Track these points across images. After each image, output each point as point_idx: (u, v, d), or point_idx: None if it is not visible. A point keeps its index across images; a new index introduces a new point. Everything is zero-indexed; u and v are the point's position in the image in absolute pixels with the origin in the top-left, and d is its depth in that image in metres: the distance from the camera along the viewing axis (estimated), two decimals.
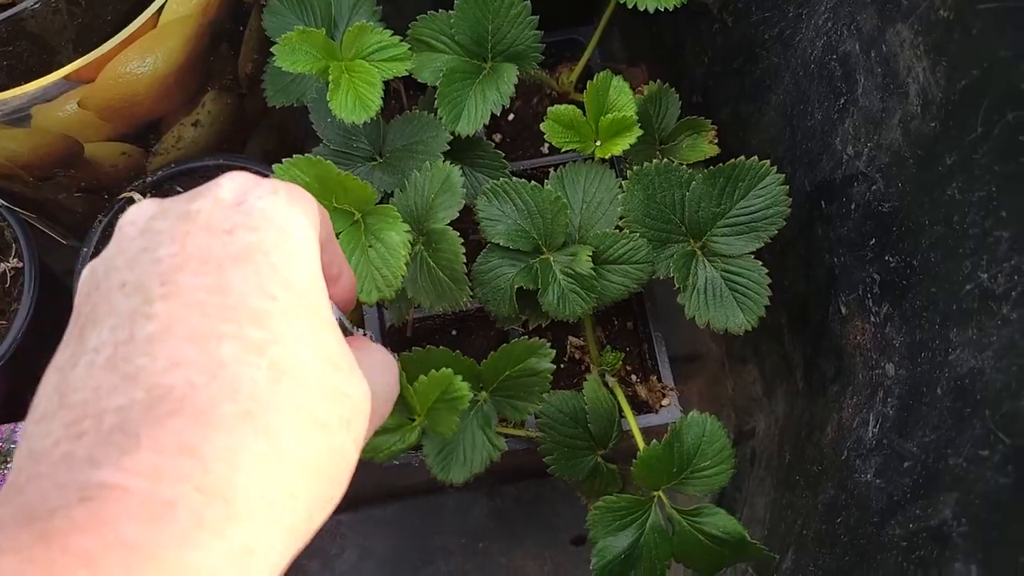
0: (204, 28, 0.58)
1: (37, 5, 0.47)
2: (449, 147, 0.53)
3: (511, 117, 0.69)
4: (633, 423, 0.53)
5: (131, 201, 0.64)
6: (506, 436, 0.52)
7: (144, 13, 0.53)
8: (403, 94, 0.65)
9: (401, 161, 0.54)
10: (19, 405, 0.65)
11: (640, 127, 0.52)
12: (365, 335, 0.43)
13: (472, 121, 0.53)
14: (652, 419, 0.58)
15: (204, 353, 0.24)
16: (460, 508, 0.79)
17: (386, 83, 0.50)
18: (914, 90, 0.39)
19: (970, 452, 0.35)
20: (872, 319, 0.46)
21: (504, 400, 0.48)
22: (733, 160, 0.50)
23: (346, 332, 0.42)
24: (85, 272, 0.27)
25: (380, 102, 0.49)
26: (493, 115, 0.53)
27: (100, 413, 0.23)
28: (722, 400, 0.76)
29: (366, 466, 0.44)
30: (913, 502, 0.39)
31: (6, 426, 0.61)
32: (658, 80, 0.58)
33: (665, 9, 0.52)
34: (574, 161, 0.54)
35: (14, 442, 0.60)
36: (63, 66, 0.52)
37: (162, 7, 0.54)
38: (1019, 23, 0.32)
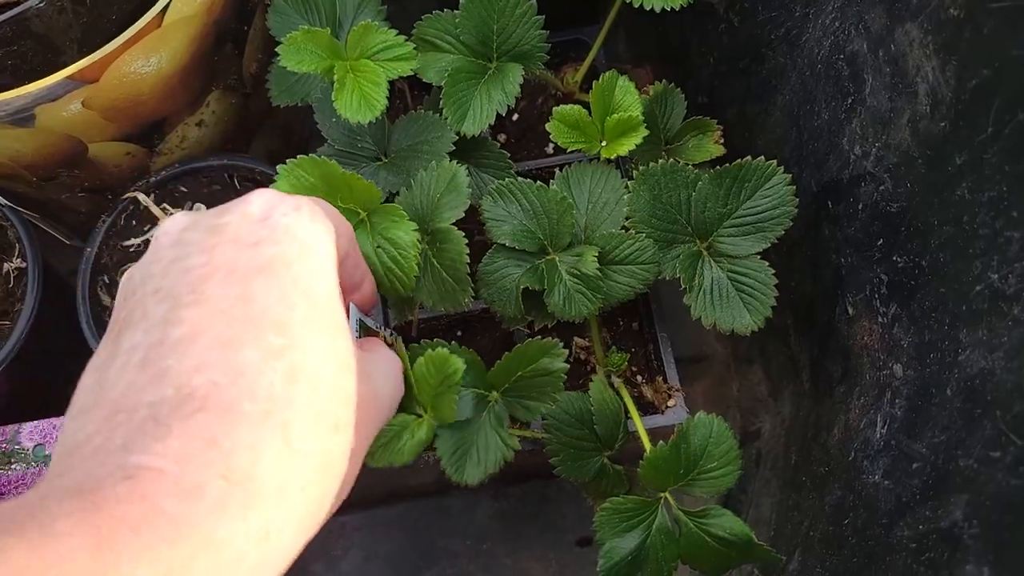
0: (209, 28, 0.58)
1: (42, 4, 0.47)
2: (454, 147, 0.53)
3: (515, 117, 0.69)
4: (639, 424, 0.52)
5: (135, 201, 0.64)
6: None
7: (149, 13, 0.53)
8: (407, 94, 0.65)
9: (406, 161, 0.54)
10: (22, 406, 0.65)
11: (646, 127, 0.51)
12: (391, 334, 0.45)
13: (478, 121, 0.52)
14: (658, 420, 0.58)
15: (227, 357, 0.26)
16: (465, 509, 0.79)
17: (390, 83, 0.50)
18: (923, 90, 0.39)
19: (981, 453, 0.35)
20: (880, 320, 0.46)
21: (516, 400, 0.48)
22: (740, 160, 0.49)
23: (370, 331, 0.44)
24: (124, 278, 0.30)
25: (385, 102, 0.49)
26: (498, 115, 0.53)
27: (133, 407, 0.25)
28: (727, 401, 0.76)
29: (371, 467, 0.44)
30: (923, 503, 0.39)
31: (9, 427, 0.61)
32: (663, 80, 0.58)
33: (671, 9, 0.52)
34: (579, 161, 0.54)
35: (18, 443, 0.60)
36: (67, 66, 0.51)
37: (167, 7, 0.54)
38: None
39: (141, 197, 0.59)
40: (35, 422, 0.61)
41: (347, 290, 0.39)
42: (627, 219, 0.51)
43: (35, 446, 0.60)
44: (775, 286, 0.50)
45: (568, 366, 0.48)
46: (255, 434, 0.25)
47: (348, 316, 0.37)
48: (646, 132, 0.51)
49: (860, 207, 0.47)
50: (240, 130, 0.69)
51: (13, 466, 0.59)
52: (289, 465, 0.26)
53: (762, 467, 0.67)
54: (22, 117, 0.54)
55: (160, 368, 0.26)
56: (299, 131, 0.77)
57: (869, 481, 0.45)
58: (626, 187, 0.51)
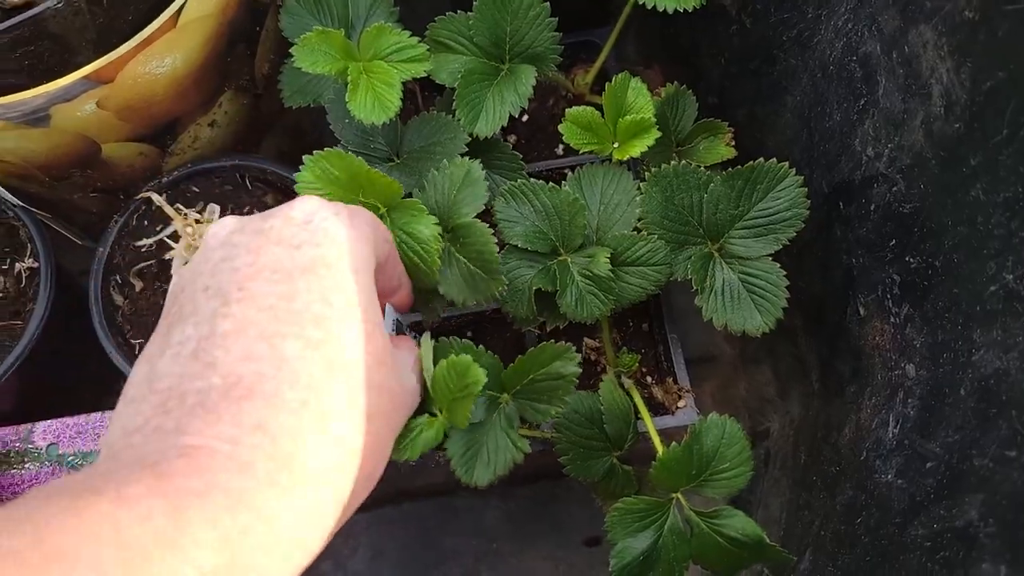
0: (223, 28, 0.59)
1: (59, 5, 0.47)
2: (467, 148, 0.53)
3: (526, 118, 0.69)
4: (650, 424, 0.52)
5: (147, 201, 0.64)
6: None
7: (164, 13, 0.53)
8: (419, 95, 0.65)
9: (419, 162, 0.54)
10: (35, 405, 0.66)
11: (658, 129, 0.52)
12: (414, 336, 0.46)
13: (490, 122, 0.53)
14: (668, 421, 0.58)
15: (271, 349, 0.28)
16: (473, 509, 0.79)
17: (402, 84, 0.50)
18: (937, 91, 0.39)
19: (996, 453, 0.35)
20: (892, 320, 0.46)
21: (526, 402, 0.48)
22: (752, 162, 0.50)
23: (400, 331, 0.45)
24: (175, 277, 0.33)
25: (399, 103, 0.49)
26: (509, 116, 0.53)
27: (184, 394, 0.27)
28: (735, 402, 0.76)
29: None
30: (937, 503, 0.39)
31: (23, 426, 0.61)
32: (675, 82, 0.58)
33: (683, 10, 0.52)
34: (591, 163, 0.54)
35: (31, 442, 0.60)
36: (83, 66, 0.52)
37: (182, 7, 0.54)
38: None
39: (155, 197, 0.59)
40: (48, 421, 0.61)
41: (386, 293, 0.42)
42: (639, 220, 0.51)
43: (48, 445, 0.60)
44: (786, 287, 0.50)
45: (580, 370, 0.49)
46: (296, 420, 0.27)
47: (384, 315, 0.38)
48: (658, 134, 0.51)
49: (872, 208, 0.47)
50: (251, 130, 0.69)
51: (27, 465, 0.59)
52: (327, 449, 0.28)
53: (771, 467, 0.67)
54: (38, 117, 0.54)
55: (209, 359, 0.27)
56: (309, 131, 0.77)
57: (882, 480, 0.45)
58: (638, 188, 0.52)
